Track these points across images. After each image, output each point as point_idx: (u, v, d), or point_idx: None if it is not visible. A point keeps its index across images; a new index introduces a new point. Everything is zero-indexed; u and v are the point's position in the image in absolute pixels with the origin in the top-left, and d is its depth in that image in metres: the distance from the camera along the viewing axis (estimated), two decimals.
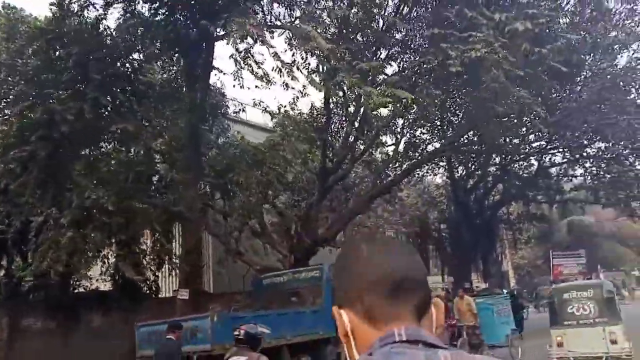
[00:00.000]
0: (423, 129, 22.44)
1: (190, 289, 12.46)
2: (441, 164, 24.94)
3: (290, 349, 10.30)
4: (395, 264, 0.98)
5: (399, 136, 20.47)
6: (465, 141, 19.05)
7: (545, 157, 24.73)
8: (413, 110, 19.92)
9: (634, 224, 37.67)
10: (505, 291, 21.79)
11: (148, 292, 19.26)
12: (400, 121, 20.10)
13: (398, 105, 11.26)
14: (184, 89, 13.11)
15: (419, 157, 19.21)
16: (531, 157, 25.16)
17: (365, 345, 0.95)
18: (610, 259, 38.11)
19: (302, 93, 15.48)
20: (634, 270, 51.04)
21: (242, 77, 12.44)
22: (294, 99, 15.54)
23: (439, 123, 22.10)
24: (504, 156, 24.50)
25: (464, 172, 25.33)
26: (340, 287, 1.02)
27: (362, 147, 18.85)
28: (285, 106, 15.70)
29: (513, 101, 10.63)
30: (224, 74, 14.60)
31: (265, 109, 14.66)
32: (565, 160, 24.32)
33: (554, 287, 12.96)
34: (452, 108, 19.19)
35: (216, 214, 17.26)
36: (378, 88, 9.20)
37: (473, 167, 25.30)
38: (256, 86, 11.82)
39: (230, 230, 17.01)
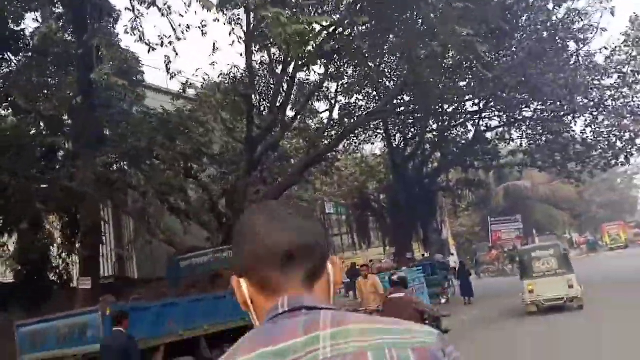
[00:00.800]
0: (359, 95, 21.26)
1: (93, 277, 10.67)
2: (379, 131, 23.89)
3: (210, 340, 8.82)
4: (284, 236, 0.97)
5: (332, 102, 19.17)
6: (401, 101, 17.96)
7: (481, 122, 24.18)
8: (347, 75, 18.67)
9: (568, 186, 38.58)
10: (431, 261, 21.30)
11: (58, 281, 17.17)
12: (333, 86, 18.82)
13: (317, 41, 9.68)
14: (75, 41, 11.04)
15: (353, 122, 17.91)
16: (468, 123, 24.62)
17: (262, 314, 0.97)
18: (544, 223, 38.87)
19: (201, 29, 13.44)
20: (566, 234, 53.00)
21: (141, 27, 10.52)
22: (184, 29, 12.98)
23: (374, 89, 20.93)
24: (440, 122, 23.78)
25: (402, 140, 24.40)
26: (237, 258, 1.01)
27: (292, 113, 17.44)
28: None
29: (452, 36, 9.21)
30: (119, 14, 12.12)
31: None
32: (501, 123, 23.84)
33: (522, 248, 16.39)
34: (386, 60, 17.84)
35: (131, 190, 15.39)
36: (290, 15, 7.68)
37: (410, 134, 24.43)
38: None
39: (146, 207, 15.24)
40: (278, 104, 15.47)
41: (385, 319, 0.95)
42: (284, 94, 15.84)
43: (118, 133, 11.65)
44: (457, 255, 36.98)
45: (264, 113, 16.38)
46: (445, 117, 23.80)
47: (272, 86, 15.78)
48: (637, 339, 8.41)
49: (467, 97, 22.38)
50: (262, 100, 16.25)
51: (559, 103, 20.16)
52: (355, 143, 23.40)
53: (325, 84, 17.61)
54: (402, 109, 18.79)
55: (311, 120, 19.00)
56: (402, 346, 0.86)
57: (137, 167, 12.48)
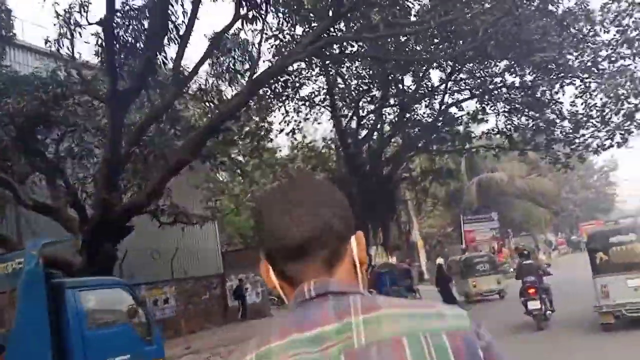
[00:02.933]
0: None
1: None
2: (325, 107, 19.36)
3: None
4: (295, 229, 0.92)
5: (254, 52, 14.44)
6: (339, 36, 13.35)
7: (447, 97, 19.93)
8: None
9: (546, 180, 34.85)
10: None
11: None
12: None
13: None
14: None
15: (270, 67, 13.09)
16: (433, 99, 20.32)
17: (291, 298, 0.96)
18: (521, 220, 34.98)
19: None
20: (541, 234, 49.74)
21: None
22: None
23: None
24: (400, 96, 19.45)
25: (352, 118, 19.82)
26: (259, 245, 1.02)
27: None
28: None
29: None
30: None
31: None
32: (473, 96, 19.52)
33: (464, 258, 20.16)
34: None
35: None
36: None
37: (364, 111, 19.97)
38: None
39: None
40: (171, 40, 10.78)
41: (415, 302, 0.95)
42: (175, 30, 11.19)
43: None
44: (427, 259, 32.96)
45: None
46: (405, 90, 19.58)
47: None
48: None
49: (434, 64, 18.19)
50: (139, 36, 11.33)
51: (543, 69, 16.00)
52: (296, 121, 18.80)
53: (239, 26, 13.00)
54: (344, 48, 14.05)
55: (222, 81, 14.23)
56: (436, 331, 0.86)
57: None
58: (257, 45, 13.83)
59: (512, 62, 16.35)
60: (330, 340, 0.85)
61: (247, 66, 14.48)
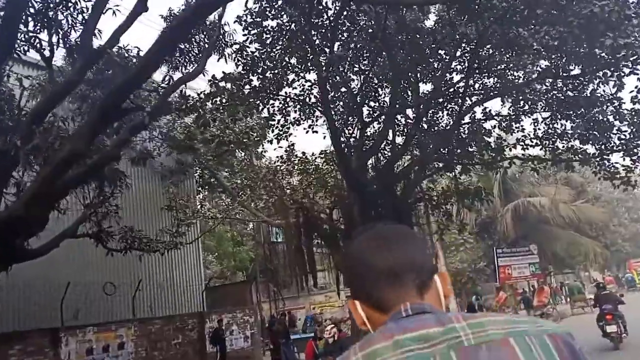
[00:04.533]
0: None
1: None
2: (319, 109, 15.84)
3: None
4: (392, 258, 1.08)
5: None
6: None
7: (469, 100, 16.15)
8: None
9: (596, 208, 30.27)
10: None
11: None
12: None
13: None
14: None
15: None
16: (456, 102, 16.59)
17: (376, 327, 1.06)
18: (565, 254, 30.17)
19: None
20: (586, 272, 44.33)
21: None
22: None
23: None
24: (416, 100, 15.85)
25: (357, 124, 16.19)
26: (351, 284, 1.14)
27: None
28: None
29: None
30: None
31: None
32: (496, 94, 15.68)
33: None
34: None
35: None
36: None
37: (369, 117, 16.35)
38: None
39: None
40: None
41: (506, 315, 0.99)
42: None
43: None
44: (459, 298, 28.90)
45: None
46: (422, 95, 16.06)
47: None
48: None
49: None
50: None
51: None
52: (283, 126, 15.28)
53: None
54: None
55: None
56: (538, 333, 0.95)
57: None
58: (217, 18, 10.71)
59: (556, 52, 12.47)
60: (437, 339, 0.91)
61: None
